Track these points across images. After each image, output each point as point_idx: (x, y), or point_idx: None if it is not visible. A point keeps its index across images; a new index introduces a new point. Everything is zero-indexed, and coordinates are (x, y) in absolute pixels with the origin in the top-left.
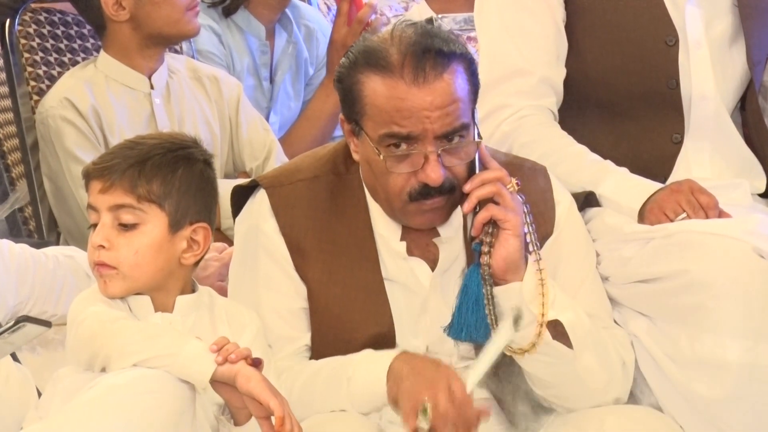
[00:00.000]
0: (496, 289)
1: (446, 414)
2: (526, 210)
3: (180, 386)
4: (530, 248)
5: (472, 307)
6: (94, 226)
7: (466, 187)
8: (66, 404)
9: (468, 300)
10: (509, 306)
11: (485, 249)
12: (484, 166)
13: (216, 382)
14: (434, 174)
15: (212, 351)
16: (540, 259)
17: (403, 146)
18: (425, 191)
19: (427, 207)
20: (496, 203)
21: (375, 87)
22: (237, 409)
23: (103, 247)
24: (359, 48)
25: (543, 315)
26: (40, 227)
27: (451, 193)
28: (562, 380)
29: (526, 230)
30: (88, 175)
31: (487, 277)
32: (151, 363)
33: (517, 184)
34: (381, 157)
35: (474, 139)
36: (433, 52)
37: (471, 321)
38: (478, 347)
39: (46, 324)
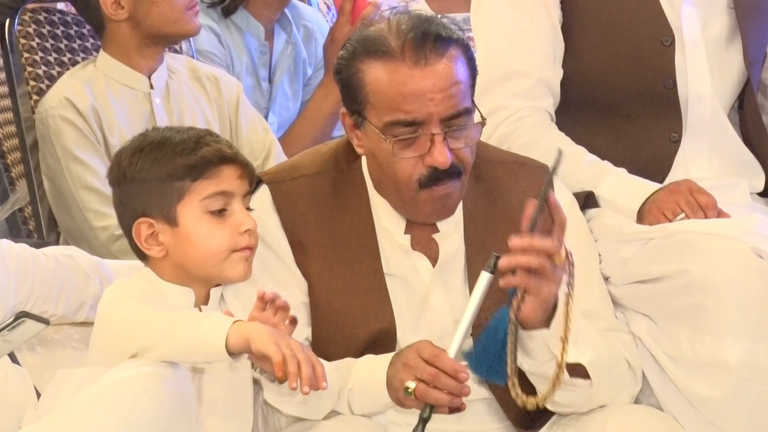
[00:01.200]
0: (521, 332)
1: (422, 373)
2: (569, 271)
3: (179, 385)
4: (564, 299)
5: (499, 351)
6: (219, 211)
7: (512, 243)
8: (65, 403)
9: (495, 344)
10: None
11: (515, 304)
12: (548, 216)
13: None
14: (441, 156)
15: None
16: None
17: (409, 131)
18: (434, 175)
19: (437, 194)
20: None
21: (376, 74)
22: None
23: (250, 230)
24: (357, 38)
25: (560, 367)
26: (39, 227)
27: (459, 178)
28: (575, 402)
29: (566, 289)
30: (223, 159)
31: (514, 325)
32: (172, 356)
33: (568, 256)
34: (388, 142)
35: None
36: (432, 35)
37: (495, 363)
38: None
39: (45, 321)
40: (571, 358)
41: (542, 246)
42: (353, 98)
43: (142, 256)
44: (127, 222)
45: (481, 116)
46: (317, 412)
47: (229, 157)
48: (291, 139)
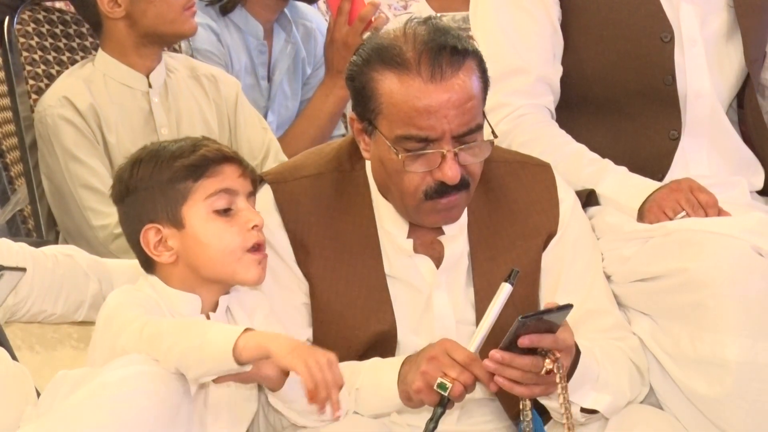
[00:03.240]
0: None
1: (460, 378)
2: (557, 371)
3: (173, 384)
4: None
5: None
6: (224, 211)
7: (492, 357)
8: (62, 402)
9: None
10: None
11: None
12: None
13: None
14: (451, 172)
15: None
16: (567, 401)
17: (420, 146)
18: (441, 189)
19: (441, 206)
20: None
21: (390, 85)
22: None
23: (257, 225)
24: (371, 46)
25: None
26: (39, 226)
27: (466, 190)
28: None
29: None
30: (224, 158)
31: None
32: (176, 363)
33: (554, 360)
34: (399, 156)
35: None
36: (449, 49)
37: None
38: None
39: (22, 269)
40: (589, 403)
41: (522, 364)
42: (365, 106)
43: (149, 268)
44: (134, 235)
45: (492, 132)
46: (321, 418)
47: (229, 156)
48: (290, 139)
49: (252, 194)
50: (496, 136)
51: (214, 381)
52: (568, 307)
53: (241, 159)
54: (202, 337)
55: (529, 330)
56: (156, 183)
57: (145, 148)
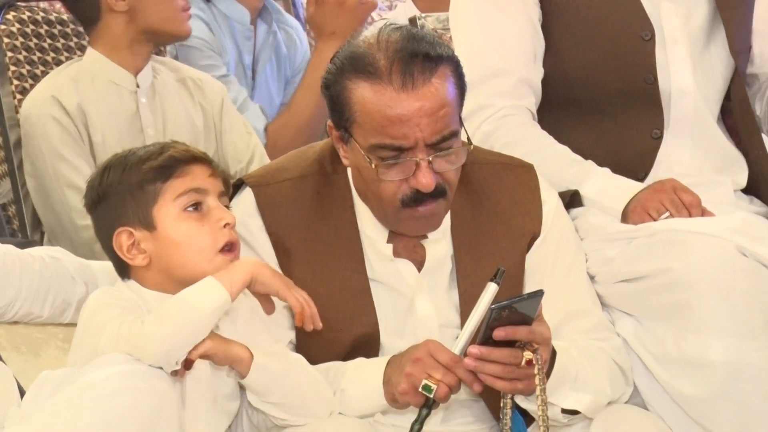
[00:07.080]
0: None
1: (444, 379)
2: (537, 362)
3: (156, 382)
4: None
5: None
6: (194, 206)
7: (470, 353)
8: (45, 402)
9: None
10: None
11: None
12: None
13: None
14: (426, 180)
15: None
16: (544, 392)
17: (394, 154)
18: (417, 197)
19: (419, 214)
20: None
21: (363, 94)
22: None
23: (229, 224)
24: (345, 54)
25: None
26: (23, 226)
27: (444, 197)
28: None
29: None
30: (192, 159)
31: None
32: (170, 316)
33: (533, 351)
34: (372, 165)
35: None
36: (421, 56)
37: None
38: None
39: None
40: (569, 404)
41: (500, 357)
42: (340, 115)
43: (124, 274)
44: (109, 241)
45: (468, 140)
46: (300, 413)
47: (198, 157)
48: (293, 110)
49: (224, 194)
50: (471, 143)
51: (190, 357)
52: (538, 293)
53: (210, 159)
54: (185, 299)
55: (503, 322)
56: (125, 187)
57: (114, 156)
